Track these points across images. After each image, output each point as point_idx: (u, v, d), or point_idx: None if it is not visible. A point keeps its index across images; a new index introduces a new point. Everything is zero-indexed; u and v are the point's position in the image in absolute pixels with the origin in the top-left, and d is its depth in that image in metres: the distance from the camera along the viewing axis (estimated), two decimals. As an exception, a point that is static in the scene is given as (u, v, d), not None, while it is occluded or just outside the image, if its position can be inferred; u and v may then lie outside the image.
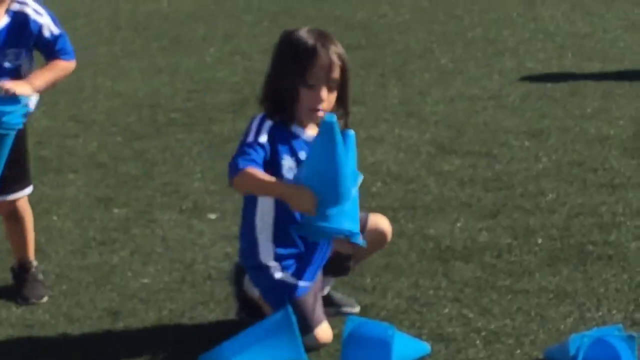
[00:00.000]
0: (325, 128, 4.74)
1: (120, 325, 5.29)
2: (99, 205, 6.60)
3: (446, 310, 5.38)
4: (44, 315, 5.38)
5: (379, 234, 5.35)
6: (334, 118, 4.75)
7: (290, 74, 5.01)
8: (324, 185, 4.83)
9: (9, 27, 4.78)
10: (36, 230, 6.15)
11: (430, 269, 5.73)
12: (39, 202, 6.62)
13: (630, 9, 11.53)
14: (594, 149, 7.35)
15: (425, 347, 4.96)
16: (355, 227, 4.90)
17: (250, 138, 4.95)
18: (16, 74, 5.05)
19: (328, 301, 5.38)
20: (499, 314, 5.26)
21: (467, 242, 6.07)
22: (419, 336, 5.09)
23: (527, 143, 7.48)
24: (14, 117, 4.83)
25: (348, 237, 4.91)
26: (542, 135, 7.61)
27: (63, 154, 7.37)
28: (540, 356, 4.97)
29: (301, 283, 5.15)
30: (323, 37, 5.04)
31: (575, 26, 10.33)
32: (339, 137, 4.76)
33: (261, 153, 4.91)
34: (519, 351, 5.00)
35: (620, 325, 4.95)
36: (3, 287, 5.70)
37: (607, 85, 8.80)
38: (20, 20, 4.92)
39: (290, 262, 5.18)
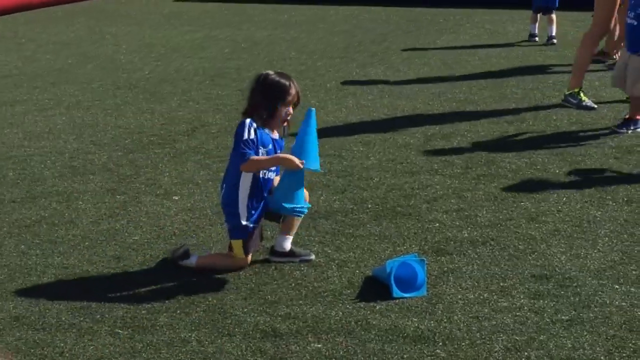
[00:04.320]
0: (310, 114, 5.07)
1: (120, 265, 5.25)
2: (107, 194, 6.49)
3: (315, 248, 5.38)
4: (75, 260, 5.29)
5: None
6: (314, 110, 5.14)
7: (273, 99, 5.03)
8: (310, 144, 5.06)
9: None
10: (68, 210, 6.01)
11: (305, 224, 5.73)
12: (72, 193, 6.50)
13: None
14: (400, 151, 7.36)
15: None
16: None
17: (245, 136, 4.93)
18: None
19: (291, 253, 5.29)
20: (346, 250, 5.39)
21: (327, 207, 6.10)
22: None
23: (361, 148, 7.48)
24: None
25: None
26: (370, 144, 7.62)
27: (87, 164, 7.24)
28: (370, 274, 4.98)
29: (252, 225, 5.12)
30: (290, 78, 5.13)
31: (390, 77, 10.34)
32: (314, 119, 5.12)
33: (252, 145, 4.95)
34: (357, 271, 5.08)
35: (416, 254, 4.98)
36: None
37: (409, 112, 8.81)
38: None
39: (254, 212, 5.12)
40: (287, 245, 5.27)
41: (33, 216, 6.08)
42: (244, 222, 5.10)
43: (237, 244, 5.12)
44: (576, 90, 8.62)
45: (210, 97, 9.39)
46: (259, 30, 14.12)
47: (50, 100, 9.56)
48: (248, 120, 5.00)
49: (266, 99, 5.03)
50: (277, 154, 5.06)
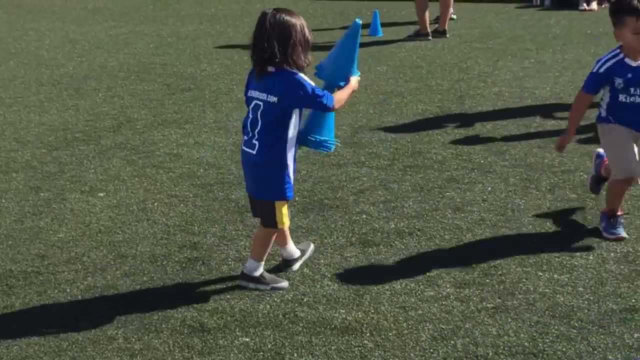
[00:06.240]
0: (356, 27, 4.95)
1: (45, 263, 5.21)
2: (31, 192, 6.41)
3: (242, 242, 5.47)
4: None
5: None
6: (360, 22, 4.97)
7: (307, 42, 4.88)
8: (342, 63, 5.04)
9: None
10: (-10, 208, 5.94)
11: (233, 219, 5.79)
12: (-6, 193, 6.43)
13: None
14: (328, 143, 7.40)
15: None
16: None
17: (316, 89, 4.62)
18: None
19: None
20: (273, 243, 5.20)
21: (254, 202, 6.04)
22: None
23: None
24: None
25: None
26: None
27: (9, 162, 7.13)
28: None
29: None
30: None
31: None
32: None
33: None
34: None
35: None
36: None
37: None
38: None
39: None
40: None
41: (-46, 216, 5.99)
42: (291, 177, 4.72)
43: (283, 206, 4.75)
44: None
45: (136, 93, 9.31)
46: (185, 25, 14.03)
47: (-30, 98, 9.39)
48: (307, 79, 4.67)
49: (303, 42, 4.80)
50: (351, 85, 4.89)
